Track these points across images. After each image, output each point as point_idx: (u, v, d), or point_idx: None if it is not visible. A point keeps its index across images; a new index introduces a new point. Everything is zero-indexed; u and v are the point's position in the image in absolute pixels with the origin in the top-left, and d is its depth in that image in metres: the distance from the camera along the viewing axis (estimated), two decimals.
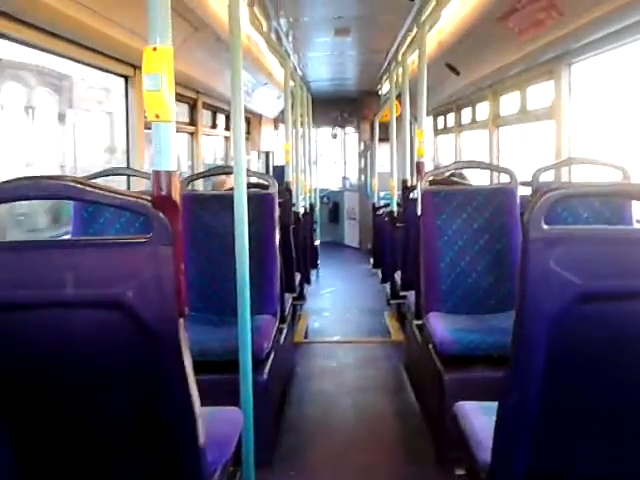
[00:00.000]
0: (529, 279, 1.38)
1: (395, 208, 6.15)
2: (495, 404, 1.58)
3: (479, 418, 1.89)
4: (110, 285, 1.33)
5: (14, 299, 1.34)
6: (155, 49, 1.51)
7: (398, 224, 5.62)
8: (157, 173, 1.50)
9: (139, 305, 1.32)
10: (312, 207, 8.32)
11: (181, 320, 1.38)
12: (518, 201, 3.49)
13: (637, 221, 3.34)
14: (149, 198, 1.39)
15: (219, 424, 1.83)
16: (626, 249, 1.39)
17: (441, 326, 3.14)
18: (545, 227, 1.37)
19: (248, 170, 2.94)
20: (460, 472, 2.10)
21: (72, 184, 1.31)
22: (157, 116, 1.51)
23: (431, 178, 3.74)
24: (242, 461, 2.38)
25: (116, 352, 1.40)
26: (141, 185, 4.07)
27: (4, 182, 1.34)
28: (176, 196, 1.50)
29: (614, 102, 4.09)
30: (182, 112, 5.63)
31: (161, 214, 1.33)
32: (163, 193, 1.49)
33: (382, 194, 8.65)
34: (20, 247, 1.37)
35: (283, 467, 3.08)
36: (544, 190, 1.40)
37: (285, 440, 3.37)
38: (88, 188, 1.31)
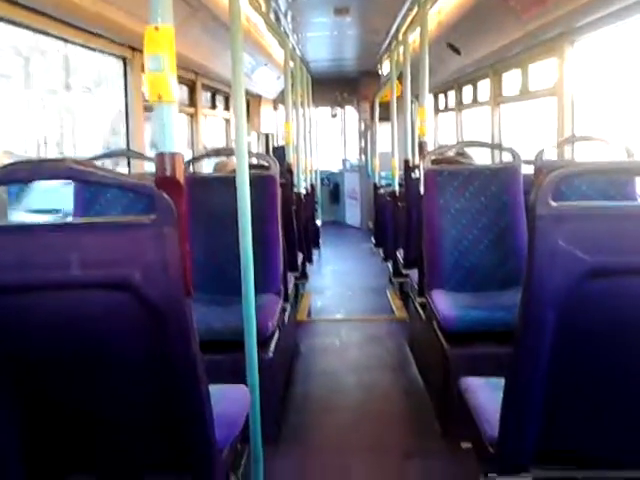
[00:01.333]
0: (537, 256, 1.39)
1: (397, 187, 6.15)
2: (500, 380, 1.59)
3: (485, 393, 1.91)
4: (116, 266, 1.33)
5: (21, 281, 1.34)
6: (157, 29, 1.50)
7: (400, 203, 5.62)
8: (160, 154, 1.50)
9: (145, 286, 1.33)
10: (313, 187, 8.31)
11: (187, 300, 1.39)
12: (521, 179, 3.49)
13: None
14: (152, 179, 1.39)
15: (227, 402, 1.84)
16: (633, 225, 1.39)
17: (444, 303, 3.15)
18: (553, 204, 1.37)
19: (249, 152, 2.94)
20: (466, 445, 2.12)
21: (76, 166, 1.31)
22: (159, 97, 1.50)
23: (433, 157, 3.74)
24: (250, 438, 2.41)
25: (123, 332, 1.41)
26: (141, 168, 4.07)
27: (7, 165, 1.34)
28: (180, 177, 1.50)
29: (617, 79, 4.06)
30: (181, 94, 5.60)
31: (165, 195, 1.33)
32: (167, 174, 1.49)
33: (383, 174, 8.63)
34: (25, 229, 1.37)
35: (290, 444, 3.12)
36: (551, 167, 1.40)
37: (291, 418, 3.41)
38: (92, 170, 1.31)
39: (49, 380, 1.46)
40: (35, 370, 1.45)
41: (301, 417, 3.44)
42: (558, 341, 1.44)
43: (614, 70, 4.03)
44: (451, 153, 4.35)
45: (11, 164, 1.34)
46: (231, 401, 1.90)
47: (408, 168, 5.09)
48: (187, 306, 1.38)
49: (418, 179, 3.91)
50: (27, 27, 3.00)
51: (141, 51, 1.45)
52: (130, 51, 4.00)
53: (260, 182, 3.41)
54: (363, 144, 11.75)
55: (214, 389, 1.56)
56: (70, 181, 1.58)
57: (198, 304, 3.14)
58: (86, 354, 1.43)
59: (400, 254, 5.12)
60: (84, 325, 1.40)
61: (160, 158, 1.50)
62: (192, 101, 5.77)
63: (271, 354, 3.01)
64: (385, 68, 9.59)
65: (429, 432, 3.19)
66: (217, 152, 4.31)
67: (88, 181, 1.35)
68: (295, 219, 4.89)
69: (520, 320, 1.47)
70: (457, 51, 5.63)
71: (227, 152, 3.91)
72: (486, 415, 1.77)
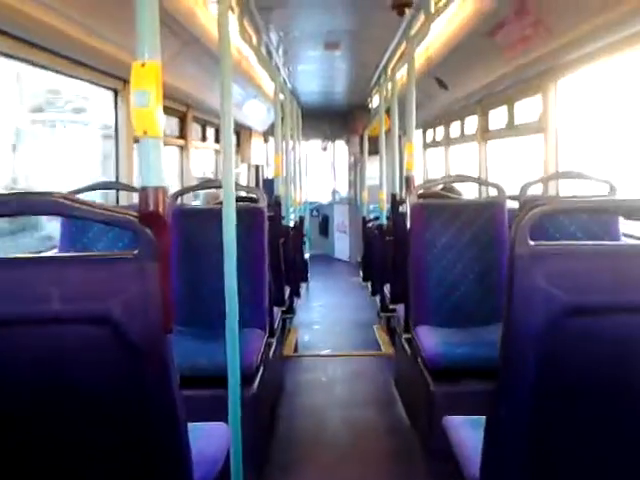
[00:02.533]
0: (515, 294, 1.39)
1: (385, 221, 6.17)
2: (484, 418, 1.58)
3: (467, 432, 1.89)
4: (96, 300, 1.32)
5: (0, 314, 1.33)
6: (143, 65, 1.50)
7: (387, 237, 5.64)
8: (144, 189, 1.50)
9: (125, 321, 1.31)
10: (302, 220, 8.33)
11: (167, 336, 1.37)
12: (506, 215, 3.51)
13: (624, 235, 3.36)
14: (136, 214, 1.39)
15: (206, 440, 1.81)
16: (612, 264, 1.40)
17: (430, 340, 3.14)
18: (531, 243, 1.38)
19: (237, 184, 2.94)
20: None
21: (60, 200, 1.31)
22: (145, 132, 1.50)
23: (420, 191, 3.76)
24: (231, 478, 2.36)
25: (102, 368, 1.39)
26: (131, 199, 4.06)
27: None
28: (164, 212, 1.49)
29: (601, 115, 4.13)
30: (172, 125, 5.63)
31: (148, 230, 1.32)
32: (150, 209, 1.48)
33: (372, 207, 8.68)
34: (5, 262, 1.36)
35: None
36: (530, 206, 1.41)
37: (275, 455, 3.35)
38: (76, 204, 1.31)
39: (21, 414, 1.43)
40: (6, 403, 1.41)
41: (285, 454, 3.39)
42: (538, 378, 1.43)
43: (598, 106, 4.10)
44: (438, 188, 4.38)
45: None
46: (210, 439, 1.87)
47: (395, 202, 5.12)
48: (167, 342, 1.37)
49: (405, 213, 3.93)
50: (17, 58, 3.01)
51: None
52: (121, 83, 4.03)
53: (248, 215, 3.41)
54: (352, 177, 11.82)
55: (193, 427, 1.54)
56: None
57: (181, 338, 3.12)
58: (61, 389, 1.41)
59: (387, 289, 5.11)
60: (60, 359, 1.38)
61: (144, 193, 1.49)
62: (183, 133, 5.80)
63: (255, 390, 2.97)
64: (375, 102, 9.71)
65: (414, 471, 3.15)
66: (204, 185, 4.31)
67: (73, 216, 1.34)
68: (283, 252, 4.88)
69: (500, 357, 1.46)
70: (445, 86, 5.71)
71: (215, 184, 3.91)
72: (468, 454, 1.75)
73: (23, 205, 1.33)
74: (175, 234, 3.35)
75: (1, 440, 1.46)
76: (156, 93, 1.51)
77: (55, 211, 1.34)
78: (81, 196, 1.38)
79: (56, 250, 3.29)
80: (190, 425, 1.49)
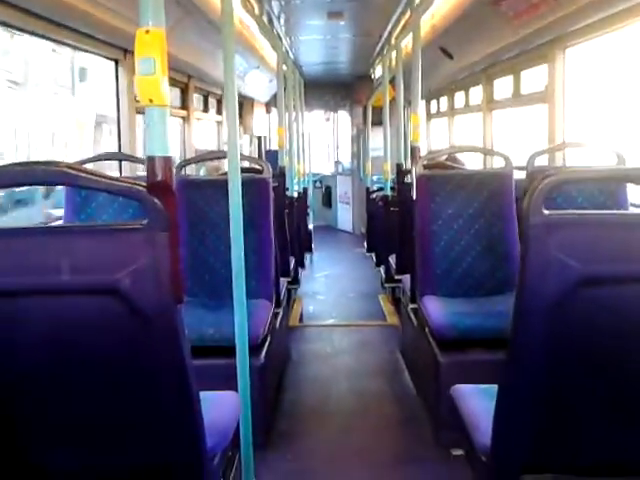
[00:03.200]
0: (529, 264, 1.38)
1: (389, 192, 6.15)
2: (492, 387, 1.58)
3: (477, 401, 1.90)
4: (106, 271, 1.32)
5: (9, 286, 1.33)
6: (148, 32, 1.48)
7: (392, 208, 5.62)
8: (151, 159, 1.48)
9: (135, 291, 1.31)
10: (305, 191, 8.30)
11: (178, 306, 1.37)
12: (513, 185, 3.49)
13: (631, 205, 3.34)
14: (144, 184, 1.38)
15: (217, 409, 1.83)
16: (625, 233, 1.39)
17: (437, 310, 3.14)
18: (545, 212, 1.37)
19: (242, 155, 2.92)
20: (457, 452, 2.11)
21: (67, 170, 1.30)
22: (151, 100, 1.48)
23: (425, 162, 3.74)
24: (240, 445, 2.39)
25: (113, 338, 1.39)
26: (134, 170, 4.05)
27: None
28: (171, 182, 1.48)
29: (608, 86, 4.09)
30: (173, 96, 5.58)
31: (156, 200, 1.31)
32: (158, 179, 1.47)
33: (375, 178, 8.63)
34: (14, 233, 1.35)
35: (280, 451, 3.10)
36: (544, 175, 1.40)
37: (282, 424, 3.39)
38: (83, 174, 1.30)
39: (34, 385, 1.44)
40: (20, 375, 1.42)
41: (292, 423, 3.42)
42: (550, 349, 1.43)
43: (606, 76, 4.05)
44: (442, 158, 4.35)
45: (3, 167, 1.32)
46: (222, 408, 1.88)
47: (400, 173, 5.09)
48: (177, 312, 1.37)
49: (410, 184, 3.91)
50: (16, 27, 2.97)
51: (133, 53, 1.43)
52: (122, 53, 3.98)
53: (252, 186, 3.39)
54: (356, 148, 11.76)
55: (205, 396, 1.55)
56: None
57: (189, 309, 3.12)
58: (74, 359, 1.41)
59: (392, 259, 5.11)
60: (71, 330, 1.38)
61: (151, 162, 1.48)
62: (184, 104, 5.75)
63: (262, 360, 2.99)
64: (378, 72, 9.61)
65: (421, 439, 3.18)
66: (209, 155, 4.28)
67: (81, 186, 1.33)
68: (287, 223, 4.87)
69: (512, 328, 1.46)
70: (450, 56, 5.64)
71: (219, 155, 3.88)
72: (478, 423, 1.76)
73: (30, 175, 1.32)
74: (181, 205, 3.34)
75: (15, 408, 1.47)
76: (161, 60, 1.49)
77: (63, 181, 1.33)
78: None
79: (61, 221, 3.29)
80: (201, 394, 1.50)
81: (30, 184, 1.36)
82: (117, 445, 1.53)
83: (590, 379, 1.49)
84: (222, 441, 1.73)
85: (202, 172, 5.73)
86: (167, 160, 1.51)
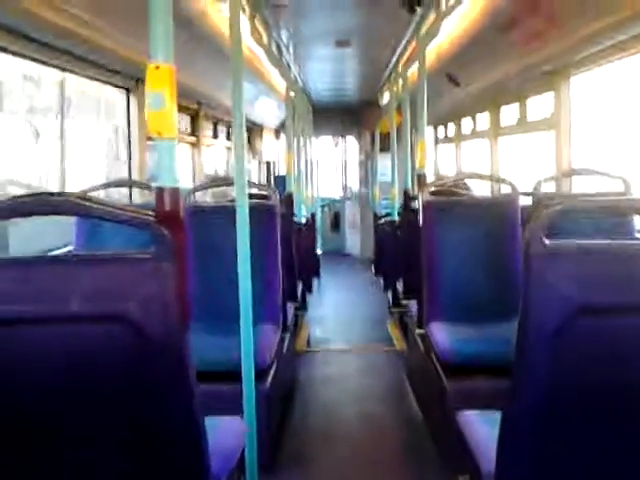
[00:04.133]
0: (531, 293, 1.40)
1: (396, 217, 6.17)
2: (497, 413, 1.59)
3: (482, 428, 1.90)
4: (114, 300, 1.34)
5: (18, 314, 1.35)
6: (157, 67, 1.52)
7: (399, 233, 5.64)
8: (160, 190, 1.52)
9: (143, 319, 1.34)
10: (313, 216, 8.34)
11: (184, 334, 1.39)
12: (519, 211, 3.51)
13: (639, 232, 3.35)
14: (152, 213, 1.41)
15: (223, 434, 1.84)
16: (628, 263, 1.41)
17: (443, 336, 3.15)
18: (546, 242, 1.39)
19: (249, 182, 2.96)
20: (463, 479, 2.11)
21: (76, 201, 1.33)
22: (160, 133, 1.52)
23: (432, 188, 3.77)
24: (245, 471, 2.39)
25: (120, 366, 1.41)
26: (144, 195, 4.10)
27: (9, 198, 1.36)
28: (180, 212, 1.52)
29: (615, 112, 4.12)
30: (184, 123, 5.66)
31: (164, 230, 1.34)
32: (167, 209, 1.50)
33: (384, 203, 8.68)
34: (23, 262, 1.38)
35: (287, 476, 3.09)
36: (544, 204, 1.42)
37: (288, 449, 3.38)
38: (94, 205, 1.33)
39: (41, 414, 1.46)
40: (27, 403, 1.44)
41: (298, 448, 3.41)
42: (552, 377, 1.44)
43: (612, 103, 4.09)
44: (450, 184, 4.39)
45: (15, 197, 1.36)
46: (227, 433, 1.89)
47: (408, 198, 5.13)
48: (184, 340, 1.39)
49: (417, 210, 3.93)
50: (29, 58, 3.05)
51: (144, 81, 1.48)
52: (133, 82, 4.07)
53: (260, 212, 3.43)
54: (364, 174, 11.82)
55: (210, 421, 1.56)
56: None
57: (195, 333, 3.12)
58: (79, 387, 1.43)
59: (400, 284, 5.12)
60: (78, 358, 1.40)
61: (160, 193, 1.52)
62: (194, 130, 5.83)
63: (269, 385, 2.99)
64: (385, 98, 9.70)
65: (427, 465, 3.16)
66: (217, 183, 4.34)
67: (91, 216, 1.36)
68: (295, 248, 4.90)
69: (515, 356, 1.47)
70: (456, 83, 5.70)
71: (227, 182, 3.94)
72: (483, 449, 1.77)
73: (41, 206, 1.35)
74: (188, 231, 3.38)
75: (21, 435, 1.49)
76: (170, 95, 1.53)
77: (73, 211, 1.36)
78: (95, 194, 1.41)
79: (71, 248, 3.33)
80: (206, 419, 1.51)
81: (41, 214, 1.40)
82: (121, 470, 1.54)
83: (592, 408, 1.49)
84: (226, 466, 1.73)
85: (208, 197, 5.79)
86: (176, 191, 1.54)
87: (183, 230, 1.51)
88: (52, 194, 1.36)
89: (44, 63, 3.22)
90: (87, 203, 1.33)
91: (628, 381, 1.46)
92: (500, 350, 2.84)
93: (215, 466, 1.58)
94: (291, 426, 3.71)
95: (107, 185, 3.50)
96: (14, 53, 2.91)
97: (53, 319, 1.35)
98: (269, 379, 3.03)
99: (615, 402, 1.49)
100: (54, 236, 3.23)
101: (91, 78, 3.74)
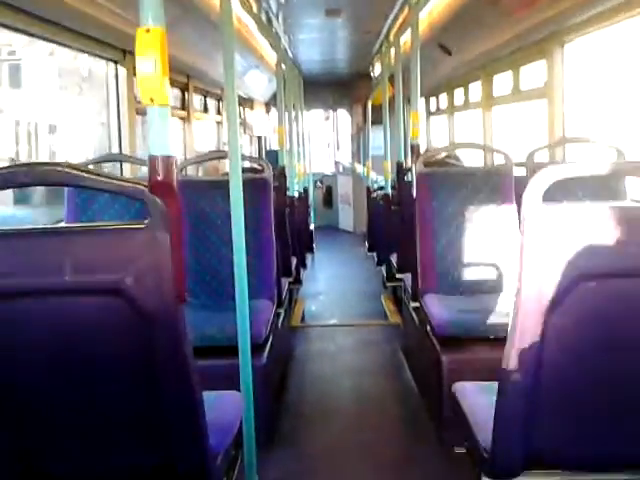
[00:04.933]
0: (527, 259, 1.38)
1: (390, 191, 6.14)
2: (494, 384, 1.58)
3: (478, 398, 1.90)
4: (108, 271, 1.32)
5: (11, 287, 1.33)
6: (148, 31, 1.48)
7: (393, 207, 5.62)
8: (153, 158, 1.48)
9: (137, 291, 1.31)
10: (306, 191, 8.30)
11: (180, 306, 1.37)
12: (514, 182, 3.49)
13: (631, 200, 3.35)
14: (146, 183, 1.38)
15: (220, 408, 1.83)
16: (624, 227, 1.39)
17: (438, 308, 3.14)
18: (542, 207, 1.37)
19: (242, 155, 2.92)
20: (459, 450, 2.11)
21: (69, 170, 1.30)
22: (152, 100, 1.49)
23: (425, 160, 3.74)
24: (243, 444, 2.39)
25: (115, 338, 1.40)
26: (135, 172, 4.05)
27: (3, 168, 1.33)
28: (173, 181, 1.48)
29: (607, 81, 4.09)
30: (173, 96, 5.58)
31: (158, 200, 1.31)
32: (160, 178, 1.47)
33: (376, 177, 8.64)
34: (16, 235, 1.35)
35: (283, 449, 3.10)
36: (541, 170, 1.40)
37: (285, 423, 3.39)
38: (86, 174, 1.30)
39: (38, 386, 1.44)
40: (23, 376, 1.43)
41: (295, 422, 3.42)
42: (550, 344, 1.43)
43: (605, 71, 4.06)
44: (442, 155, 4.36)
45: (6, 167, 1.32)
46: (225, 407, 1.89)
47: (401, 171, 5.09)
48: (179, 312, 1.37)
49: (411, 182, 3.91)
50: (15, 29, 2.98)
51: (133, 53, 1.44)
52: (121, 54, 3.99)
53: (253, 186, 3.39)
54: (356, 147, 11.75)
55: (207, 395, 1.55)
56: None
57: (190, 309, 3.13)
58: (76, 360, 1.41)
59: (394, 258, 5.11)
60: (74, 331, 1.38)
61: (153, 161, 1.48)
62: (184, 104, 5.75)
63: (265, 360, 2.99)
64: (377, 70, 9.61)
65: (423, 437, 3.18)
66: (210, 156, 4.29)
67: (83, 186, 1.33)
68: (288, 223, 4.87)
69: (512, 324, 1.46)
70: (448, 52, 5.64)
71: (220, 155, 3.88)
72: (479, 420, 1.77)
73: (33, 176, 1.32)
74: (181, 205, 3.34)
75: (17, 409, 1.47)
76: (161, 60, 1.49)
77: (66, 181, 1.33)
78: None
79: (62, 222, 3.29)
80: (204, 394, 1.50)
81: (32, 185, 1.36)
82: (119, 445, 1.53)
83: (590, 374, 1.49)
84: (224, 440, 1.73)
85: (200, 173, 5.73)
86: (169, 160, 1.51)
87: (176, 200, 1.48)
88: (43, 164, 1.32)
89: (32, 35, 3.15)
90: (79, 173, 1.30)
91: (628, 346, 1.45)
92: (495, 321, 2.85)
93: (213, 440, 1.57)
94: (287, 401, 3.72)
95: (98, 160, 3.45)
96: (2, 25, 2.84)
97: (46, 291, 1.32)
98: (265, 353, 3.03)
99: (614, 368, 1.48)
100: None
101: (79, 50, 3.67)
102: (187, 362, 1.41)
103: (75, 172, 1.30)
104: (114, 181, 1.32)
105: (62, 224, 3.28)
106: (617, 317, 1.43)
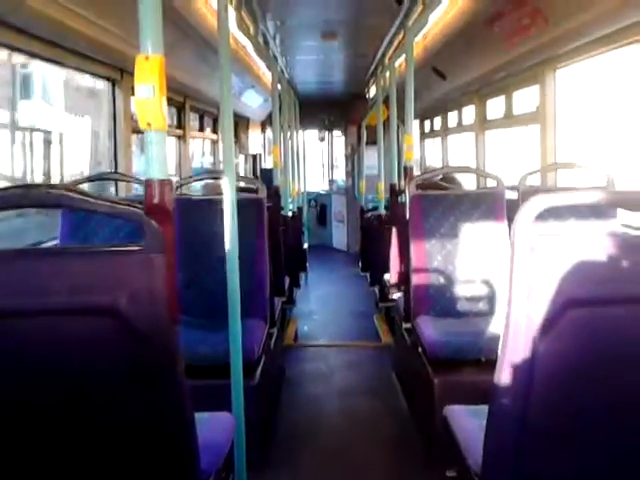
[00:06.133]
0: (516, 284, 1.39)
1: (383, 211, 6.17)
2: (484, 407, 1.59)
3: (469, 421, 1.91)
4: (102, 293, 1.33)
5: (5, 307, 1.33)
6: (147, 58, 1.51)
7: (386, 227, 5.64)
8: (149, 181, 1.50)
9: (131, 313, 1.32)
10: (300, 210, 8.32)
11: (174, 327, 1.38)
12: (505, 205, 3.53)
13: (622, 225, 3.38)
14: (141, 206, 1.40)
15: (211, 430, 1.83)
16: (614, 254, 1.40)
17: (430, 329, 3.16)
18: (532, 233, 1.39)
19: (237, 175, 2.95)
20: (450, 474, 2.11)
21: (65, 193, 1.31)
22: (149, 124, 1.51)
23: (419, 182, 3.77)
24: (234, 466, 2.39)
25: (108, 359, 1.40)
26: (130, 189, 4.06)
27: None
28: (169, 204, 1.50)
29: (599, 106, 4.15)
30: (170, 115, 5.62)
31: (154, 223, 1.33)
32: (156, 201, 1.49)
33: (370, 197, 8.67)
34: (11, 255, 1.36)
35: (275, 470, 3.09)
36: (534, 194, 1.42)
37: (277, 443, 3.38)
38: (83, 197, 1.32)
39: (29, 407, 1.44)
40: (15, 396, 1.43)
41: (287, 443, 3.41)
42: (540, 369, 1.44)
43: (597, 96, 4.11)
44: (438, 178, 4.40)
45: (4, 189, 1.34)
46: (216, 428, 1.89)
47: (394, 192, 5.13)
48: (173, 333, 1.38)
49: (404, 203, 3.94)
50: (14, 48, 3.00)
51: (130, 73, 1.46)
52: (119, 73, 4.02)
53: (247, 205, 3.41)
54: (350, 167, 11.81)
55: (199, 416, 1.55)
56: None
57: (183, 328, 3.12)
58: (68, 379, 1.42)
59: (386, 278, 5.13)
60: (68, 350, 1.39)
61: (149, 185, 1.50)
62: (180, 123, 5.79)
63: (257, 380, 2.99)
64: (372, 92, 9.69)
65: (414, 460, 3.18)
66: (206, 175, 4.32)
67: (81, 209, 1.35)
68: (282, 242, 4.89)
69: (501, 348, 1.47)
70: (442, 76, 5.71)
71: (215, 175, 3.91)
72: (470, 443, 1.77)
73: (29, 198, 1.33)
74: (176, 224, 3.35)
75: (10, 429, 1.47)
76: (160, 86, 1.52)
77: (61, 204, 1.35)
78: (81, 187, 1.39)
79: (57, 242, 3.30)
80: (195, 414, 1.50)
81: (29, 206, 1.38)
82: (111, 465, 1.53)
83: (580, 400, 1.50)
84: (216, 462, 1.73)
85: (198, 190, 5.75)
86: (165, 183, 1.53)
87: (172, 223, 1.49)
88: (39, 186, 1.34)
89: (31, 55, 3.18)
90: (77, 196, 1.32)
91: (615, 372, 1.47)
92: (487, 343, 2.86)
93: (204, 461, 1.57)
94: (279, 421, 3.71)
95: (93, 178, 3.46)
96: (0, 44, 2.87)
97: (41, 312, 1.33)
98: (257, 374, 3.03)
99: (603, 395, 1.50)
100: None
101: (77, 69, 3.69)
102: (180, 383, 1.42)
103: (71, 195, 1.31)
104: (110, 204, 1.34)
105: (56, 243, 3.29)
106: (607, 344, 1.44)
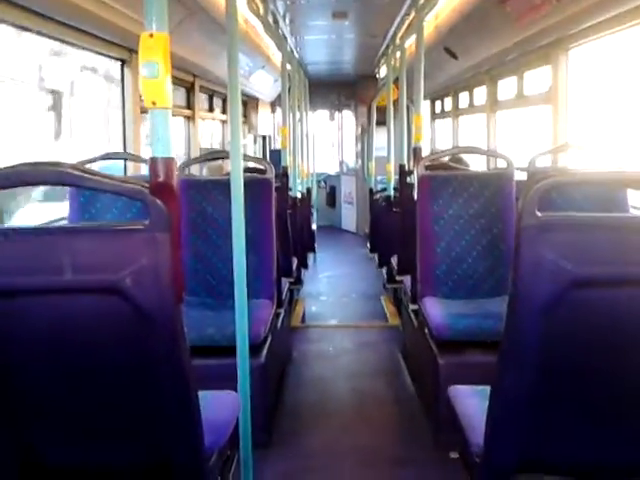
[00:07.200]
0: (522, 266, 1.39)
1: (392, 193, 6.15)
2: (488, 388, 1.60)
3: (472, 402, 1.91)
4: (108, 271, 1.33)
5: (12, 285, 1.35)
6: (152, 35, 1.50)
7: (395, 209, 5.63)
8: (154, 160, 1.50)
9: (136, 291, 1.33)
10: (309, 191, 8.31)
11: (178, 306, 1.39)
12: (514, 186, 3.50)
13: (632, 207, 3.35)
14: (146, 184, 1.40)
15: (216, 408, 1.84)
16: (619, 236, 1.40)
17: (436, 311, 3.16)
18: (538, 214, 1.38)
19: (245, 155, 2.94)
20: (454, 455, 2.13)
21: (71, 171, 1.31)
22: (154, 103, 1.51)
23: (428, 163, 3.75)
24: (239, 444, 2.41)
25: (113, 337, 1.41)
26: (139, 169, 4.07)
27: (3, 168, 1.35)
28: (173, 183, 1.50)
29: (612, 87, 4.09)
30: (178, 95, 5.60)
31: (158, 201, 1.33)
32: (160, 180, 1.49)
33: (380, 178, 8.63)
34: (17, 233, 1.37)
35: (280, 450, 3.12)
36: (538, 177, 1.41)
37: (282, 423, 3.40)
38: (86, 175, 1.32)
39: (36, 383, 1.46)
40: (22, 373, 1.45)
41: (292, 423, 3.44)
42: (542, 350, 1.45)
43: (610, 77, 4.06)
44: (447, 159, 4.36)
45: (10, 167, 1.34)
46: (221, 407, 1.90)
47: (403, 173, 5.10)
48: (178, 312, 1.39)
49: (413, 185, 3.92)
50: (24, 28, 3.00)
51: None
52: (128, 53, 4.01)
53: (255, 186, 3.41)
54: (360, 148, 11.76)
55: (204, 394, 1.57)
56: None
57: (190, 308, 3.15)
58: (74, 357, 1.43)
59: (394, 260, 5.13)
60: (73, 328, 1.40)
61: (154, 163, 1.50)
62: (189, 103, 5.77)
63: (263, 360, 3.01)
64: (383, 72, 9.61)
65: (420, 440, 3.19)
66: (212, 155, 4.31)
67: (85, 186, 1.35)
68: (290, 223, 4.89)
69: (506, 329, 1.47)
70: (454, 55, 5.65)
71: (222, 155, 3.90)
72: (472, 423, 1.78)
73: (33, 176, 1.34)
74: (183, 205, 3.36)
75: (16, 406, 1.49)
76: (164, 64, 1.51)
77: (66, 182, 1.35)
78: (90, 166, 1.39)
79: (65, 222, 3.31)
80: (200, 393, 1.51)
81: (35, 184, 1.38)
82: (115, 443, 1.55)
83: (582, 380, 1.50)
84: (220, 440, 1.74)
85: (205, 171, 5.75)
86: (169, 161, 1.53)
87: (176, 201, 1.50)
88: (46, 164, 1.34)
89: (40, 34, 3.17)
90: (80, 173, 1.32)
91: (619, 353, 1.46)
92: (493, 325, 2.86)
93: (207, 439, 1.59)
94: (285, 401, 3.73)
95: (101, 157, 3.47)
96: (10, 23, 2.86)
97: (46, 290, 1.34)
98: (263, 353, 3.05)
99: (606, 374, 1.50)
100: None
101: (86, 49, 3.68)
102: (184, 361, 1.43)
103: (76, 172, 1.31)
104: (115, 182, 1.34)
105: (65, 222, 3.31)
106: (610, 324, 1.44)
